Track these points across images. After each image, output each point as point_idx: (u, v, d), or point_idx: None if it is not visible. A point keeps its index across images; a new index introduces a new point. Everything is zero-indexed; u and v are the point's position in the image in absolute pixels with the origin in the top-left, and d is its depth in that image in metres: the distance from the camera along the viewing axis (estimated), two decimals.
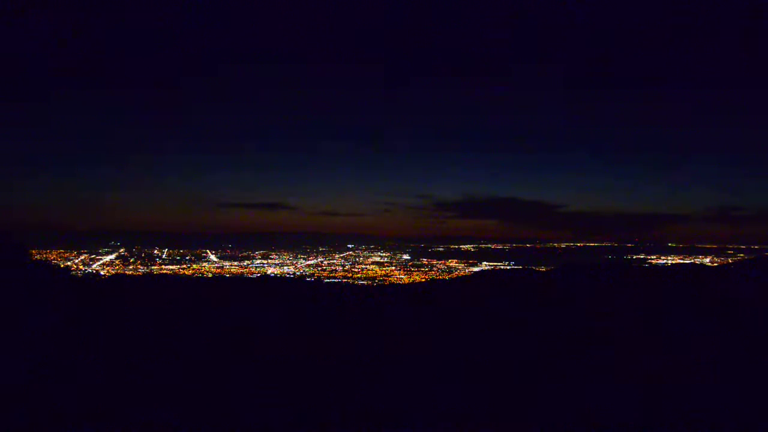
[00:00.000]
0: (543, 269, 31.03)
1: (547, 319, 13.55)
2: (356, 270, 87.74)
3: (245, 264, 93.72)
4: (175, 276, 47.92)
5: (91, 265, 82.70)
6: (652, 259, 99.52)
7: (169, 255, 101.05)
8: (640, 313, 14.24)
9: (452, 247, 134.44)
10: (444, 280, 33.68)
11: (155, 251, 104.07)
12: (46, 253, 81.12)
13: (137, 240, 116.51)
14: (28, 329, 10.21)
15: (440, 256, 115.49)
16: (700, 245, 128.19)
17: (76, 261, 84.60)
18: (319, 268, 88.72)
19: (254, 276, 44.37)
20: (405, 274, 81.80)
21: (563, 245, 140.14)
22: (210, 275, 61.83)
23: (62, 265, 19.95)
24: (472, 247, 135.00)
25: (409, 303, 18.00)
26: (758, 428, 6.91)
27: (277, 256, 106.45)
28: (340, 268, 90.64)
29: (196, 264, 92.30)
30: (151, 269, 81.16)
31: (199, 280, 25.04)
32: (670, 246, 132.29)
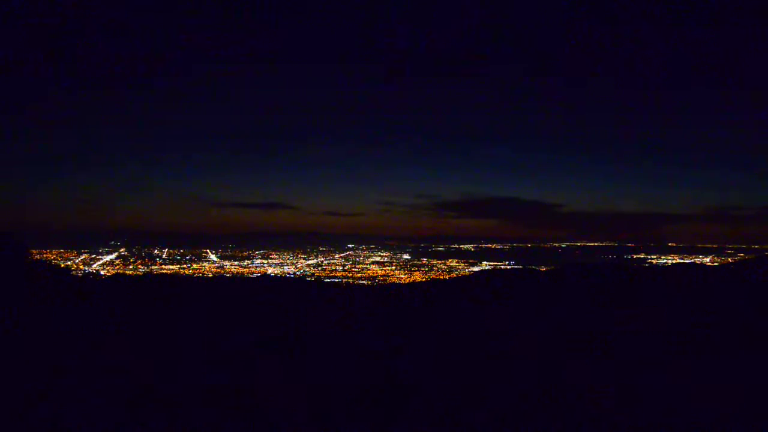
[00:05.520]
0: (543, 269, 31.04)
1: (547, 319, 13.56)
2: (356, 270, 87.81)
3: (245, 264, 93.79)
4: (175, 276, 47.89)
5: (91, 265, 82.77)
6: (652, 259, 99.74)
7: (169, 255, 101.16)
8: (640, 313, 14.25)
9: (452, 246, 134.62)
10: (444, 279, 33.69)
11: (155, 251, 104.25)
12: (46, 253, 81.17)
13: (137, 240, 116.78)
14: (27, 329, 10.21)
15: (440, 256, 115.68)
16: (700, 245, 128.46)
17: (76, 261, 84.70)
18: (320, 268, 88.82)
19: (254, 276, 44.37)
20: (405, 274, 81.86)
21: (563, 245, 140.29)
22: (210, 275, 61.87)
23: (62, 265, 19.93)
24: (472, 247, 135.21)
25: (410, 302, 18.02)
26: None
27: (277, 256, 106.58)
28: (341, 267, 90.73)
29: (197, 264, 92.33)
30: (152, 269, 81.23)
31: (199, 280, 25.05)
32: (670, 246, 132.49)
